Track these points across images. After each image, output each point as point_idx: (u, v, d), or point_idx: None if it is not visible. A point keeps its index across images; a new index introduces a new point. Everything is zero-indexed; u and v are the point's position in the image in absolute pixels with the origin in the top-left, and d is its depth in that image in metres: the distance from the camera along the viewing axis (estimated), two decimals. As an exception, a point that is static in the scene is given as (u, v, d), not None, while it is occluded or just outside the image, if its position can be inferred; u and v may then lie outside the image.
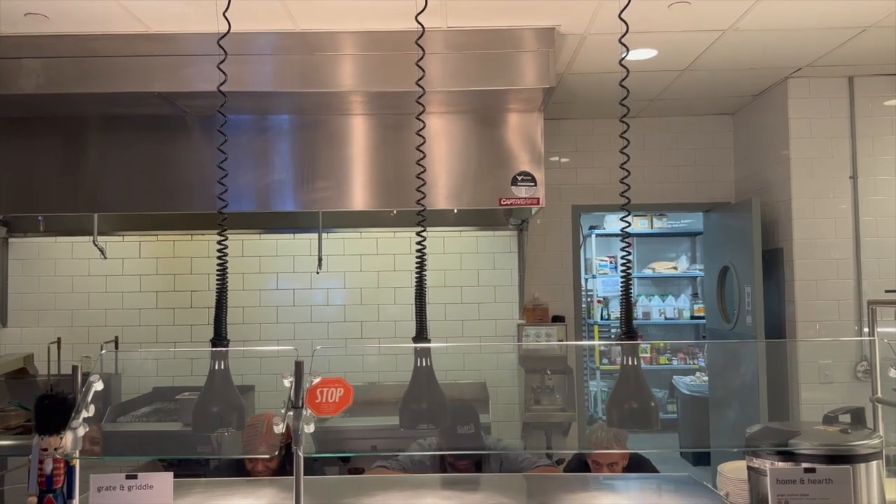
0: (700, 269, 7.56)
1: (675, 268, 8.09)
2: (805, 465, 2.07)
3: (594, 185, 5.37)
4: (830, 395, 4.23)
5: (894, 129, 4.47)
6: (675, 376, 7.33)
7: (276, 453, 2.92)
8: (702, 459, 5.93)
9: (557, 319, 5.11)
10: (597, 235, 7.87)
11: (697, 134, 5.41)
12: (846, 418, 2.42)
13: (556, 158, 5.41)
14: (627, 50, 2.14)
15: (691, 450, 6.41)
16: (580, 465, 3.30)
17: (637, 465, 3.14)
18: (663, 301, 7.99)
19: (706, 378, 6.51)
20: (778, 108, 4.63)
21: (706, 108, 5.24)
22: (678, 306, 7.95)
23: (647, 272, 8.09)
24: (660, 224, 7.88)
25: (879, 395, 2.41)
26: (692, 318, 7.86)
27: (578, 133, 5.40)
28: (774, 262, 4.64)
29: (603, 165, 5.33)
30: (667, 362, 7.82)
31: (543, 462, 3.17)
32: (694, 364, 7.70)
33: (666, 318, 7.93)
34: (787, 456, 2.14)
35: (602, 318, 7.88)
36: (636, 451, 3.25)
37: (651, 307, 7.94)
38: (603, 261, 8.04)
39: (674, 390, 7.30)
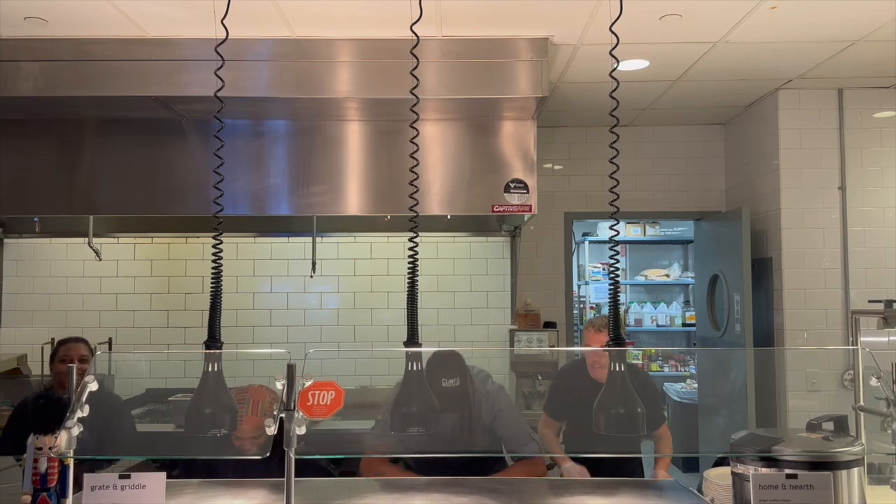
0: (692, 277, 7.61)
1: (668, 275, 8.14)
2: (787, 471, 2.11)
3: (587, 193, 5.42)
4: (817, 402, 4.28)
5: (882, 141, 4.54)
6: (665, 383, 7.37)
7: (268, 445, 2.89)
8: (692, 465, 5.97)
9: (549, 325, 5.15)
10: (590, 242, 7.92)
11: (689, 143, 5.47)
12: (830, 426, 2.47)
13: (550, 165, 5.46)
14: (618, 62, 2.18)
15: (681, 454, 6.44)
16: (578, 365, 3.40)
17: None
18: (655, 308, 8.03)
19: (696, 385, 6.56)
20: (768, 118, 4.69)
21: (698, 118, 5.30)
22: (670, 313, 8.00)
23: (640, 279, 8.14)
24: (652, 231, 7.93)
25: (862, 403, 2.46)
26: (684, 325, 7.91)
27: (572, 141, 5.45)
28: (764, 270, 4.69)
29: (596, 173, 5.38)
30: (658, 369, 7.86)
31: (531, 450, 3.16)
32: (685, 371, 7.74)
33: (658, 326, 7.97)
34: (770, 462, 2.18)
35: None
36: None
37: (643, 314, 7.98)
38: (596, 267, 8.08)
39: (665, 397, 7.34)
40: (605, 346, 2.19)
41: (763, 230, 4.74)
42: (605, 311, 7.88)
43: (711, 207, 5.44)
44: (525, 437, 3.20)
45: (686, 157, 5.47)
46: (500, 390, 3.25)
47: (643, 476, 3.14)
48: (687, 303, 8.17)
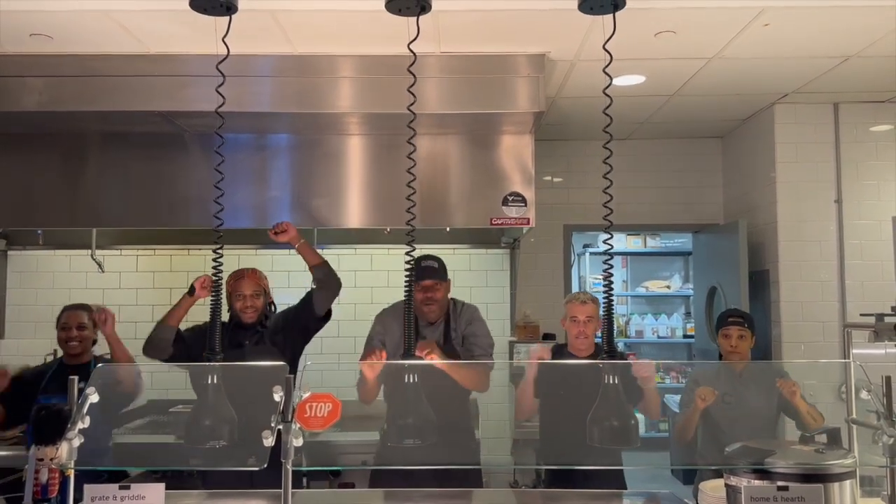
0: (693, 288, 7.63)
1: (669, 287, 8.15)
2: (779, 483, 2.13)
3: (586, 205, 5.45)
4: (815, 415, 4.28)
5: (878, 155, 4.57)
6: (666, 395, 7.36)
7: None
8: (690, 477, 5.96)
9: (548, 337, 5.16)
10: (591, 254, 7.94)
11: (687, 156, 5.50)
12: (823, 438, 2.49)
13: (549, 178, 5.50)
14: (611, 80, 2.23)
15: (681, 467, 6.44)
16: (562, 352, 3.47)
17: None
18: (656, 320, 8.04)
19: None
20: (765, 132, 4.72)
21: (695, 132, 5.34)
22: (671, 325, 7.99)
23: (641, 291, 8.15)
24: (653, 243, 7.94)
25: (854, 416, 2.48)
26: (685, 336, 7.91)
27: (571, 154, 5.48)
28: (761, 283, 4.72)
29: (595, 186, 5.33)
30: (659, 381, 7.86)
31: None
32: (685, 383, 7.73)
33: (659, 337, 7.96)
34: (763, 474, 2.20)
35: (596, 336, 7.92)
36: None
37: (644, 326, 7.98)
38: (597, 279, 8.09)
39: (666, 409, 7.34)
40: (601, 357, 2.22)
41: (760, 243, 4.77)
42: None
43: (709, 220, 5.46)
44: (486, 350, 3.29)
45: (684, 170, 5.50)
46: (476, 309, 3.41)
47: (626, 487, 3.15)
48: (688, 314, 8.17)
